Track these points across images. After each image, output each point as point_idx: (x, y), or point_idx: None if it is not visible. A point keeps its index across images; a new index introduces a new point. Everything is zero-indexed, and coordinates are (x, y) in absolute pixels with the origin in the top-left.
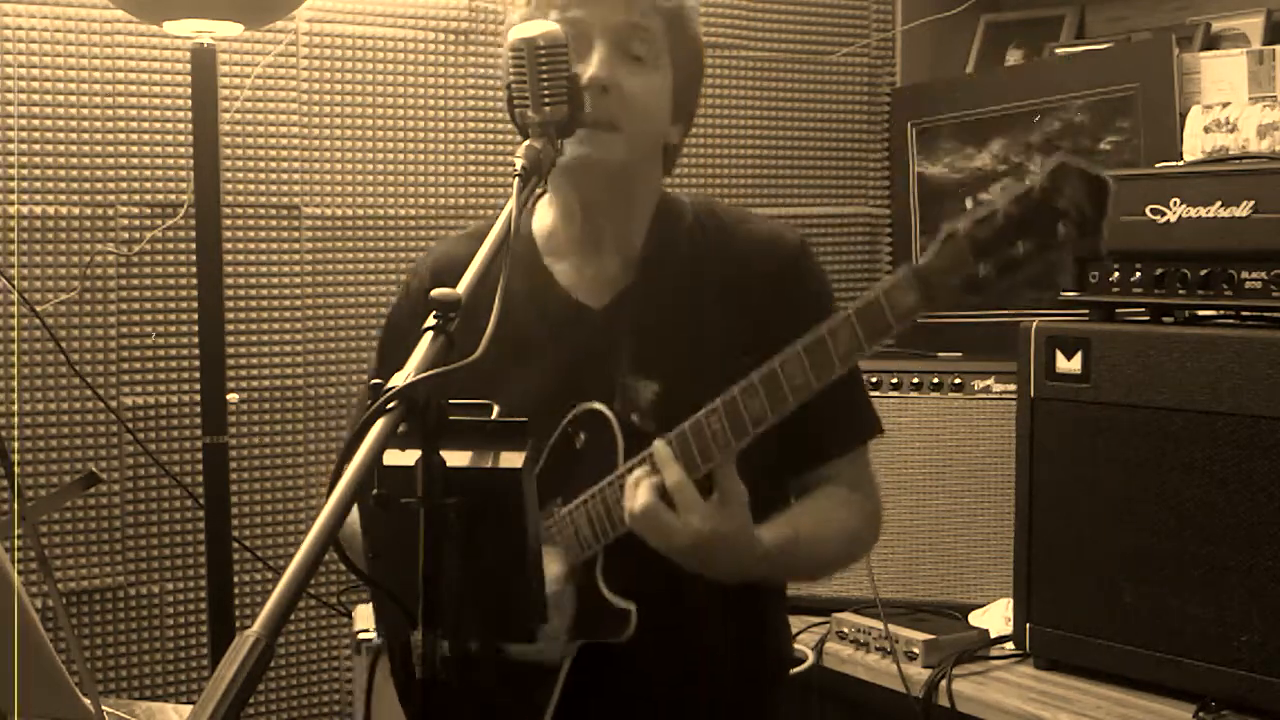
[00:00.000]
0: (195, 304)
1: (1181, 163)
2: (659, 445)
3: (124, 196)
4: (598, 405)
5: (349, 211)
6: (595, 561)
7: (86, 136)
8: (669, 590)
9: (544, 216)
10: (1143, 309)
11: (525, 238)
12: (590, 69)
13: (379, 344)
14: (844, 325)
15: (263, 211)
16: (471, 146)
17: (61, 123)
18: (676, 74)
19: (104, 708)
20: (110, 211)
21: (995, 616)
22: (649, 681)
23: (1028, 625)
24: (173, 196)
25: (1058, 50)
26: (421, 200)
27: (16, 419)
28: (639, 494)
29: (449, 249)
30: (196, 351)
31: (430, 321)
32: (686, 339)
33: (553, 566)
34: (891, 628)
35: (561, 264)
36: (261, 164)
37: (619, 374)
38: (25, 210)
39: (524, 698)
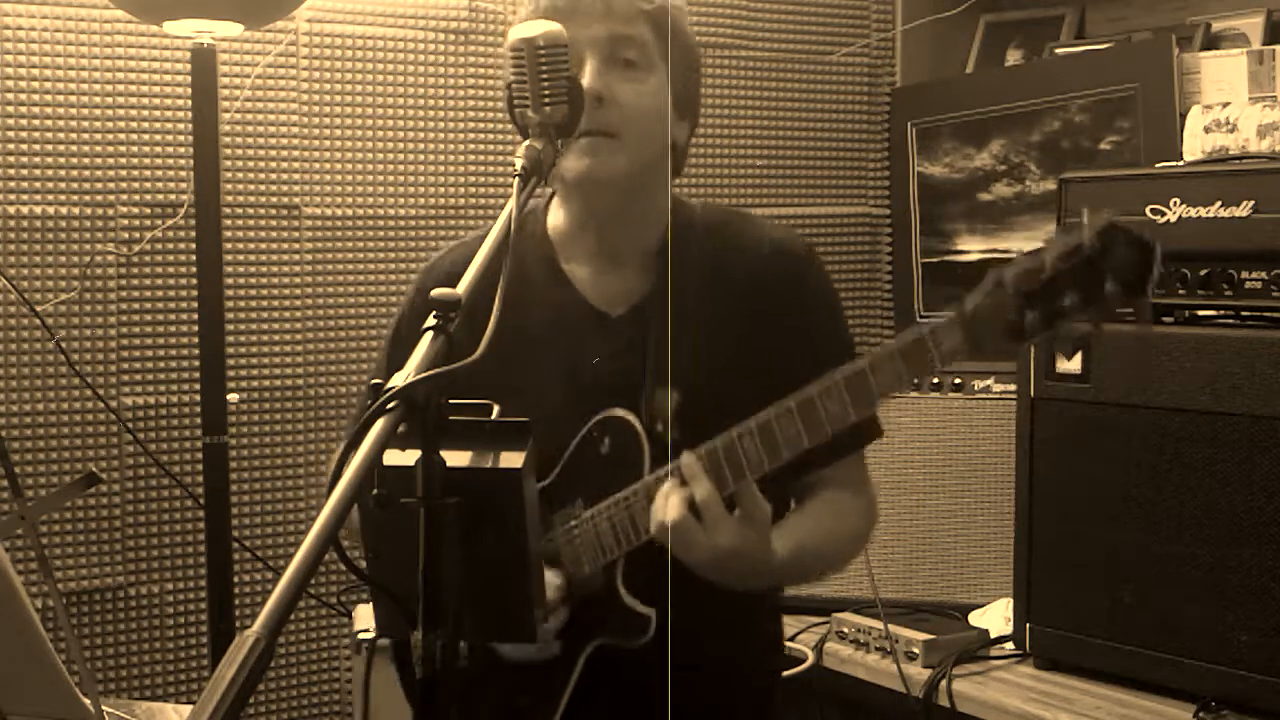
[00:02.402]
0: (195, 304)
1: (1181, 163)
2: (688, 459)
3: (124, 196)
4: (623, 412)
5: (349, 211)
6: (616, 565)
7: (86, 136)
8: (682, 596)
9: (559, 218)
10: None
11: (542, 240)
12: (584, 82)
13: (387, 343)
14: (888, 360)
15: (263, 211)
16: (471, 146)
17: (61, 122)
18: (672, 72)
19: (104, 708)
20: (110, 211)
21: (995, 616)
22: (656, 683)
23: (1028, 625)
24: (173, 196)
25: (1058, 50)
26: (421, 200)
27: (16, 419)
28: (670, 507)
29: (460, 250)
30: (196, 351)
31: (430, 321)
32: (704, 347)
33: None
34: (891, 628)
35: (579, 270)
36: (261, 164)
37: (641, 382)
38: (25, 210)
39: (536, 695)
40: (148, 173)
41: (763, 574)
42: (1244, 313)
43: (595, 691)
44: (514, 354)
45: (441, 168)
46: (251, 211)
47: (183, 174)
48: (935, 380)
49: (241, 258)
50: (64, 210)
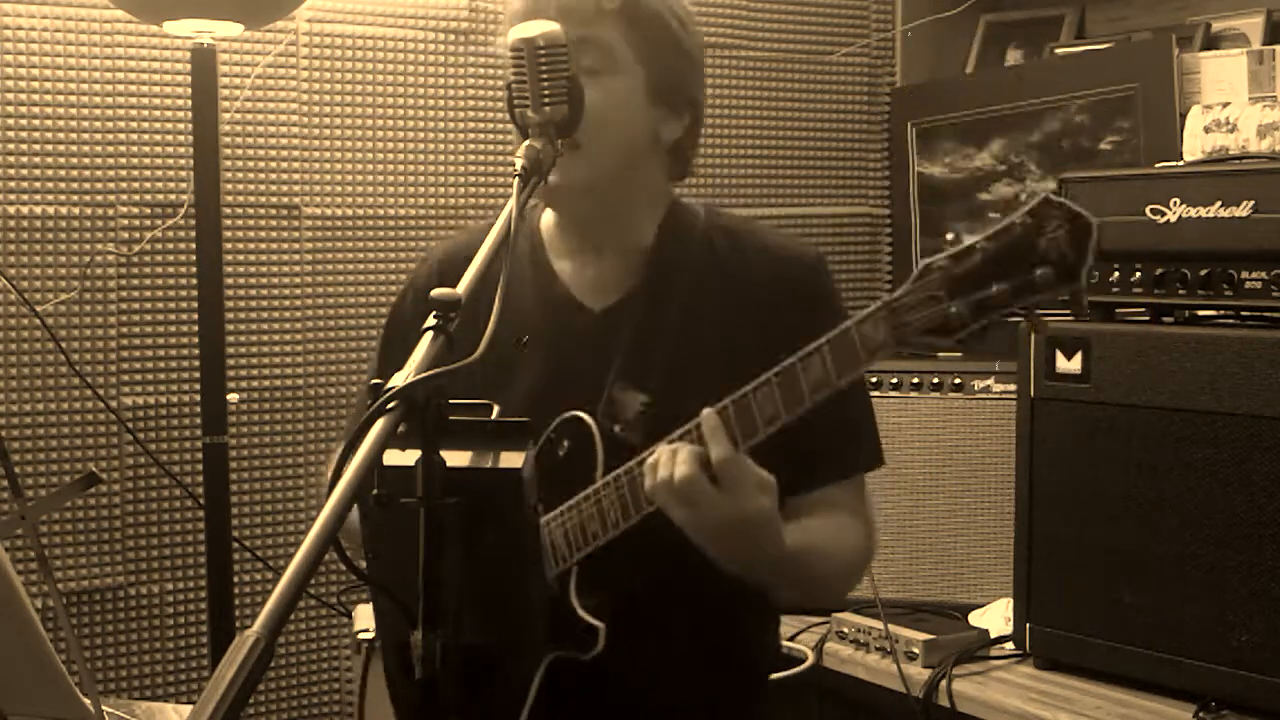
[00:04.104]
0: (195, 304)
1: (1181, 163)
2: (708, 414)
3: (124, 196)
4: (581, 414)
5: (349, 211)
6: (570, 575)
7: (86, 136)
8: (642, 607)
9: (549, 214)
10: (1143, 309)
11: (532, 233)
12: None
13: (381, 338)
14: (814, 355)
15: (263, 211)
16: (471, 146)
17: (61, 122)
18: (649, 69)
19: (104, 708)
20: (110, 211)
21: (995, 616)
22: (619, 695)
23: (1028, 625)
24: (173, 196)
25: (1058, 50)
26: (421, 200)
27: (16, 419)
28: (680, 464)
29: (458, 243)
30: (196, 351)
31: (430, 321)
32: (683, 352)
33: None
34: (891, 628)
35: (565, 263)
36: (261, 164)
37: (608, 382)
38: (25, 210)
39: (497, 707)
40: (148, 173)
41: (770, 554)
42: (1244, 313)
43: (556, 705)
44: (503, 346)
45: (441, 168)
46: (251, 211)
47: (183, 174)
48: (935, 380)
49: (241, 258)
50: (64, 210)
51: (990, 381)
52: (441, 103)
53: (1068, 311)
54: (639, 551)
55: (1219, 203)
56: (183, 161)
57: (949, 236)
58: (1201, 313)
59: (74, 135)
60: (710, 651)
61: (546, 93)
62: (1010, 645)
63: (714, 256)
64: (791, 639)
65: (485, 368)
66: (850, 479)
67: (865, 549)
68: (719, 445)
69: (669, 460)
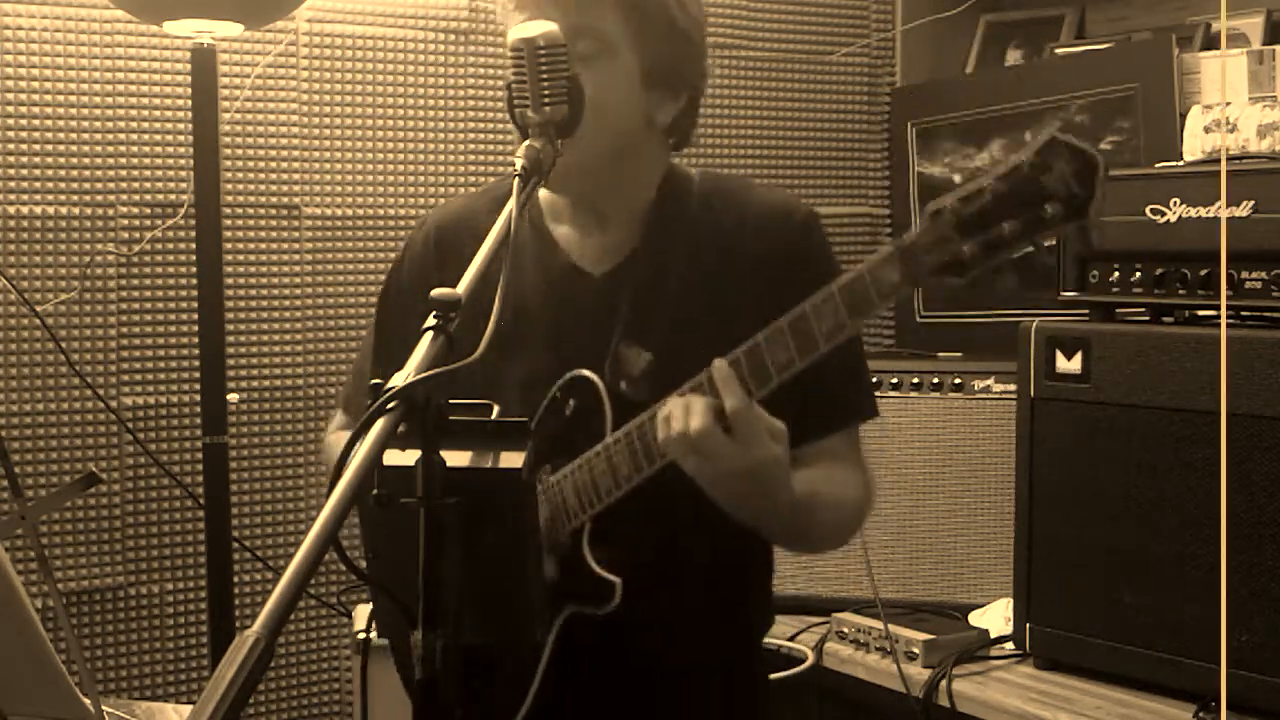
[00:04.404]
0: (195, 304)
1: (1181, 163)
2: (720, 365)
3: (124, 196)
4: (587, 373)
5: (349, 211)
6: (582, 531)
7: (86, 136)
8: (655, 562)
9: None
10: (1143, 309)
11: (531, 201)
12: None
13: (378, 307)
14: (827, 301)
15: (263, 211)
16: (471, 146)
17: (61, 122)
18: (644, 54)
19: (104, 708)
20: (110, 211)
21: (995, 616)
22: (632, 650)
23: (1028, 625)
24: (173, 196)
25: (1058, 50)
26: (421, 200)
27: (16, 419)
28: (695, 416)
29: (455, 209)
30: (196, 351)
31: (430, 321)
32: (684, 310)
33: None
34: (891, 628)
35: (564, 228)
36: (261, 164)
37: (613, 341)
38: (25, 210)
39: (513, 665)
40: (148, 173)
41: (781, 502)
42: (1244, 313)
43: (570, 659)
44: (504, 318)
45: (441, 168)
46: (251, 211)
47: (183, 174)
48: (935, 380)
49: (241, 258)
50: (64, 210)
51: (990, 381)
52: (441, 103)
53: (1068, 311)
54: (651, 506)
55: (1219, 203)
56: (183, 161)
57: (956, 179)
58: (1201, 313)
59: (74, 135)
60: (720, 606)
61: (546, 93)
62: (1010, 645)
63: (710, 217)
64: (791, 639)
65: (491, 342)
66: (848, 429)
67: (866, 498)
68: (732, 395)
69: (682, 412)
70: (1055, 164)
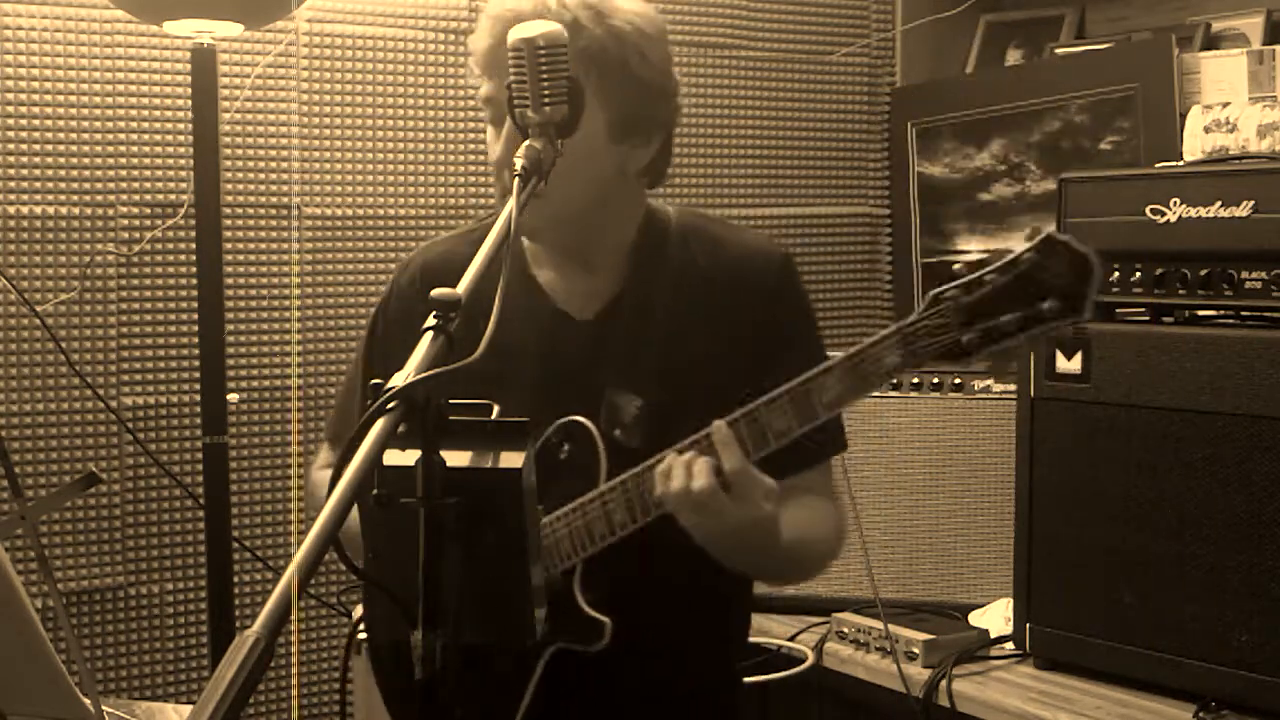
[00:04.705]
0: (195, 304)
1: (1181, 163)
2: (720, 426)
3: (124, 196)
4: (581, 419)
5: (348, 211)
6: (574, 572)
7: (86, 136)
8: (643, 602)
9: (527, 225)
10: (1143, 309)
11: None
12: (494, 154)
13: (363, 343)
14: (830, 376)
15: (262, 211)
16: (471, 146)
17: (61, 122)
18: (611, 110)
19: (104, 708)
20: (110, 211)
21: (995, 616)
22: (616, 686)
23: (1028, 625)
24: (173, 196)
25: (1058, 50)
26: (421, 200)
27: (16, 419)
28: (697, 476)
29: (438, 249)
30: (196, 351)
31: (430, 321)
32: (671, 355)
33: None
34: (891, 628)
35: (547, 273)
36: (261, 164)
37: (604, 388)
38: (25, 210)
39: (498, 696)
40: (148, 173)
41: (772, 553)
42: (1244, 313)
43: (555, 694)
44: (489, 360)
45: (441, 168)
46: (251, 211)
47: (183, 174)
48: (935, 380)
49: (241, 258)
50: (64, 210)
51: (990, 381)
52: (441, 103)
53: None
54: (641, 548)
55: (1219, 203)
56: (183, 161)
57: (956, 267)
58: (1201, 313)
59: (74, 135)
60: (703, 642)
61: (546, 93)
62: (1010, 645)
63: (689, 259)
64: (791, 639)
65: (475, 382)
66: (822, 464)
67: (840, 530)
68: (732, 457)
69: (683, 471)
70: (1052, 260)
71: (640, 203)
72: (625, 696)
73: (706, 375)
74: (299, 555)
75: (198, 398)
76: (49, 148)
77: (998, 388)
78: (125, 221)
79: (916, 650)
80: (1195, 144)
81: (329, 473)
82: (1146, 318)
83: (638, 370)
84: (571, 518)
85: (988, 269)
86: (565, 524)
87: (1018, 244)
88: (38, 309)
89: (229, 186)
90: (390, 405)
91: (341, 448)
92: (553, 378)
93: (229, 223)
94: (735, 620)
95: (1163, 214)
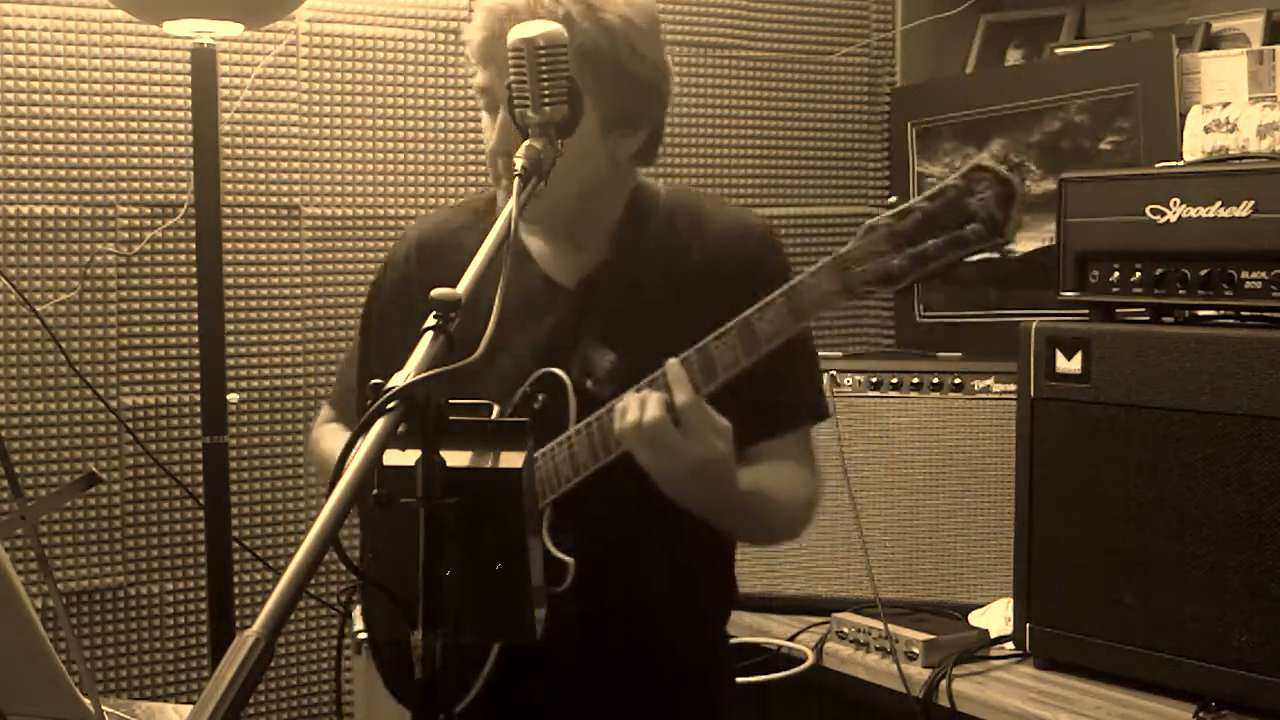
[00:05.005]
0: (195, 304)
1: (1181, 163)
2: (673, 363)
3: (124, 196)
4: (555, 370)
5: (349, 211)
6: (541, 516)
7: (86, 136)
8: (613, 550)
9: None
10: (1143, 309)
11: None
12: (490, 141)
13: (362, 317)
14: (771, 307)
15: (263, 211)
16: (471, 146)
17: (61, 122)
18: (602, 106)
19: (104, 708)
20: (110, 211)
21: (995, 616)
22: (587, 639)
23: (1028, 625)
24: (173, 196)
25: (1058, 50)
26: (421, 200)
27: (16, 419)
28: (649, 408)
29: (435, 222)
30: (196, 351)
31: (430, 321)
32: (649, 317)
33: None
34: (891, 628)
35: (537, 241)
36: (261, 164)
37: (580, 343)
38: (25, 210)
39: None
40: (148, 173)
41: (726, 494)
42: (1244, 313)
43: (527, 655)
44: (482, 327)
45: (441, 168)
46: (251, 211)
47: (183, 174)
48: (935, 380)
49: (241, 258)
50: (64, 210)
51: (990, 381)
52: (441, 103)
53: (1068, 311)
54: (609, 498)
55: (1219, 203)
56: (183, 161)
57: (891, 199)
58: (1201, 313)
59: (74, 135)
60: (677, 611)
61: (546, 93)
62: (1010, 645)
63: (674, 231)
64: (791, 639)
65: (467, 346)
66: (798, 430)
67: (814, 495)
68: (682, 390)
69: (637, 405)
70: (978, 187)
71: (629, 183)
72: (608, 661)
73: (680, 335)
74: (299, 555)
75: (198, 398)
76: (49, 148)
77: (998, 388)
78: (125, 221)
79: (916, 650)
80: (1195, 144)
81: (329, 428)
82: (1146, 318)
83: (615, 329)
84: (541, 461)
85: (917, 198)
86: (536, 468)
87: (1017, 244)
88: (38, 309)
89: (229, 186)
90: (390, 405)
91: (343, 447)
92: (543, 342)
93: (229, 223)
94: (712, 591)
95: (1163, 214)
